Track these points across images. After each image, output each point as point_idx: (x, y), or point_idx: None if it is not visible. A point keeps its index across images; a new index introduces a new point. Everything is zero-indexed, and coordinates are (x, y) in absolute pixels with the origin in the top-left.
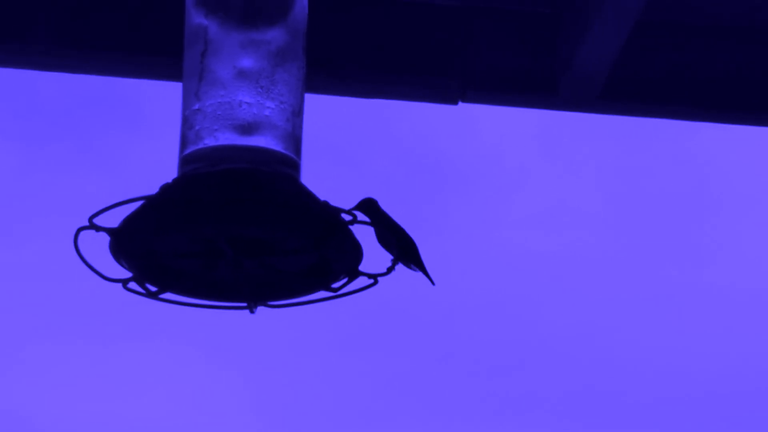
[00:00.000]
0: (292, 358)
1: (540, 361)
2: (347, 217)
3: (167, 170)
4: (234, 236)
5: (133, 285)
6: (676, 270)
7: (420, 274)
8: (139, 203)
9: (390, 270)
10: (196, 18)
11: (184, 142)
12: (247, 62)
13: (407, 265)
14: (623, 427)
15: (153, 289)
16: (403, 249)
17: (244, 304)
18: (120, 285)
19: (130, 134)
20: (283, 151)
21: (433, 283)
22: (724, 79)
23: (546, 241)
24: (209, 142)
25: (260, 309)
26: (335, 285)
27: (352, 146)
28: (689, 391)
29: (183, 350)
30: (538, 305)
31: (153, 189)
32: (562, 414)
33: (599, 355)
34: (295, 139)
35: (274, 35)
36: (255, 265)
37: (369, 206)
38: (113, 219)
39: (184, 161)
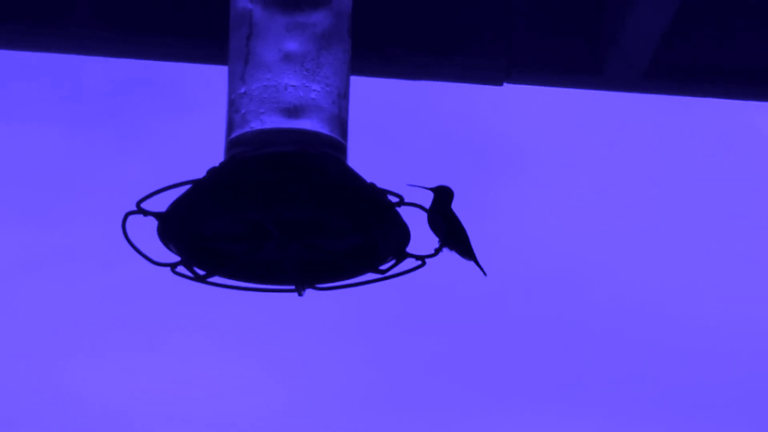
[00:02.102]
0: (335, 341)
1: (586, 345)
2: (394, 199)
3: (214, 154)
4: (281, 219)
5: (181, 269)
6: (725, 248)
7: (468, 263)
8: (186, 187)
9: (438, 251)
10: (242, 1)
11: (230, 125)
12: (292, 45)
13: (452, 248)
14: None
15: (201, 272)
16: (451, 233)
17: (292, 287)
18: (168, 269)
19: (176, 118)
20: (329, 133)
21: (485, 273)
22: None
23: (591, 221)
24: (255, 125)
25: (308, 291)
26: (383, 267)
27: (397, 128)
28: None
29: (227, 332)
30: (582, 285)
31: (200, 173)
32: (607, 398)
33: (649, 339)
34: (341, 122)
35: (319, 18)
36: (302, 248)
37: (441, 193)
38: (161, 203)
39: (231, 144)
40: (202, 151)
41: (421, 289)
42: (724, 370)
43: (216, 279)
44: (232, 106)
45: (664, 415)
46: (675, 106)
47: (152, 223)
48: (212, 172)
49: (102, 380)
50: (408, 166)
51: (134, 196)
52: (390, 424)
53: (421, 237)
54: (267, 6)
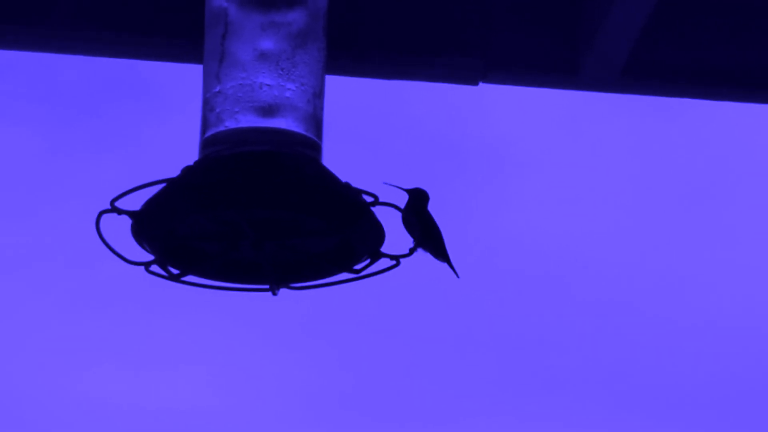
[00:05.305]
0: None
1: (560, 346)
2: (369, 199)
3: (189, 153)
4: (256, 218)
5: (155, 268)
6: (698, 249)
7: (442, 264)
8: (160, 186)
9: (412, 251)
10: (217, 0)
11: (205, 124)
12: (267, 44)
13: (427, 249)
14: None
15: (175, 271)
16: (426, 234)
17: (266, 286)
18: (142, 268)
19: (151, 117)
20: (304, 132)
21: (457, 276)
22: (747, 58)
23: (567, 223)
24: (230, 124)
25: (282, 291)
26: (357, 266)
27: (372, 127)
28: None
29: (200, 331)
30: (558, 287)
31: (174, 172)
32: (586, 400)
33: (622, 338)
34: (316, 121)
35: (295, 17)
36: (277, 247)
37: (417, 195)
38: (135, 202)
39: (206, 143)
40: (176, 149)
41: (394, 289)
42: (713, 371)
43: (190, 278)
44: (207, 105)
45: (648, 420)
46: (651, 106)
47: (126, 221)
48: (186, 171)
49: (72, 379)
50: (383, 165)
51: (108, 194)
52: (363, 424)
53: (396, 237)
54: (242, 5)
